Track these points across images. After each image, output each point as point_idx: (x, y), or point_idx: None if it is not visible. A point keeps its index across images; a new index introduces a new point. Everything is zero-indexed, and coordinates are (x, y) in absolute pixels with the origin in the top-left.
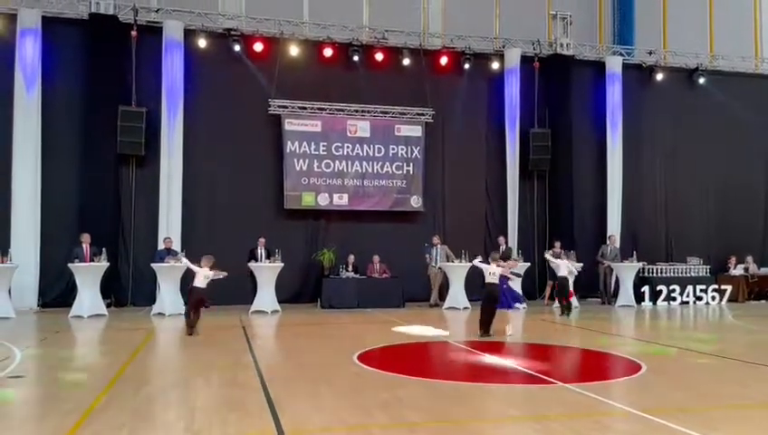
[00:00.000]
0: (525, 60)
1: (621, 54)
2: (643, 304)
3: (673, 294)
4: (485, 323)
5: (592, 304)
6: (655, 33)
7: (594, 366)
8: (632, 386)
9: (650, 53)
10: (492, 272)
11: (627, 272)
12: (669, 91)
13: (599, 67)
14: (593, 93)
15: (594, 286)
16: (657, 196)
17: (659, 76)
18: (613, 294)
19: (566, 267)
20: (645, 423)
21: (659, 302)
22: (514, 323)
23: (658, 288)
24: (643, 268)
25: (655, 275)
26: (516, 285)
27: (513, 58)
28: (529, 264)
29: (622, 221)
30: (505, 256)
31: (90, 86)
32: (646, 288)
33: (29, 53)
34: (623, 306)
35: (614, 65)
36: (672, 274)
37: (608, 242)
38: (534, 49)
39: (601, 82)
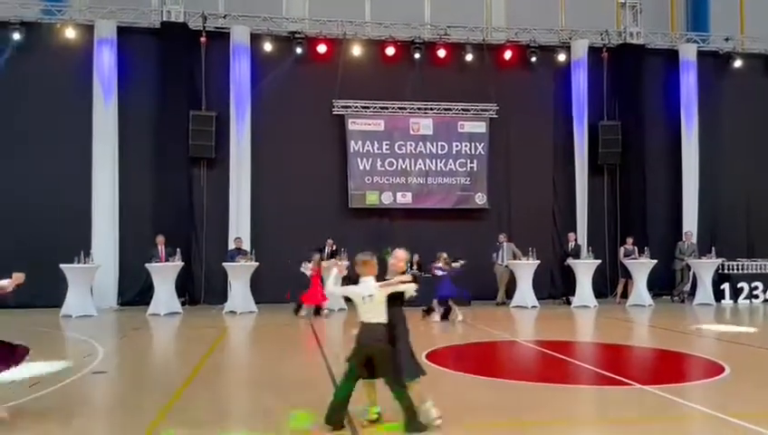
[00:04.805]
0: (593, 51)
1: (695, 42)
2: (723, 302)
3: (755, 292)
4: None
5: (668, 301)
6: (731, 18)
7: (673, 367)
8: (715, 388)
9: (727, 40)
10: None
11: (705, 269)
12: (748, 78)
13: (671, 56)
14: (666, 83)
15: (670, 284)
16: (736, 189)
17: (737, 63)
18: (690, 292)
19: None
20: (730, 427)
21: (741, 300)
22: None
23: (739, 285)
24: (722, 265)
25: (735, 271)
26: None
27: (580, 49)
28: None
29: (699, 216)
30: (575, 253)
31: (162, 92)
32: (726, 286)
33: (106, 62)
34: (702, 304)
35: (688, 53)
36: (754, 270)
37: (684, 238)
38: (602, 39)
39: (674, 72)
